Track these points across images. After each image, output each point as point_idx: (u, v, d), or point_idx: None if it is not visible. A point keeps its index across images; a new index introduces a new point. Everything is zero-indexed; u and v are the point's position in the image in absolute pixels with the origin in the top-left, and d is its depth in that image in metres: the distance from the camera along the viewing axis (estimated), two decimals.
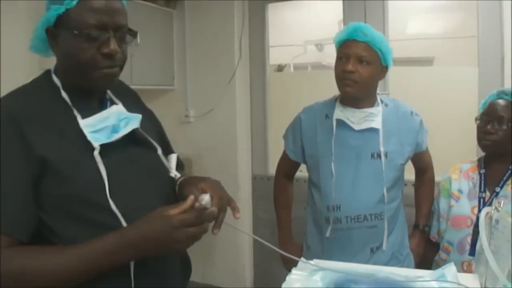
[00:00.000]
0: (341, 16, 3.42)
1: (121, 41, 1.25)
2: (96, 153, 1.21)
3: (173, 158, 1.43)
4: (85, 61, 1.21)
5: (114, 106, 1.33)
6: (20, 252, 1.12)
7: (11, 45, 2.64)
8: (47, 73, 1.32)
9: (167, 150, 1.50)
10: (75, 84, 1.27)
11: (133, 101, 1.47)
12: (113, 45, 1.21)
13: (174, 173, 1.39)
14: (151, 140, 1.38)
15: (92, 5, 1.19)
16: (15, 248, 1.11)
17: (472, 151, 2.59)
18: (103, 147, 1.23)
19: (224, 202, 1.30)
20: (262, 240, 1.36)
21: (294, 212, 2.38)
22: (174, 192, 1.40)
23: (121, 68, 1.30)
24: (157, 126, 1.57)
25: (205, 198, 1.18)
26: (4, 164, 1.13)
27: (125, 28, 1.26)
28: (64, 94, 1.26)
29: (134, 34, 1.30)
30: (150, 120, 1.51)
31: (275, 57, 3.92)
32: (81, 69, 1.23)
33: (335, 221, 2.07)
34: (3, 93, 1.26)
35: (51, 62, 1.34)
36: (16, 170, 1.14)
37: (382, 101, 2.13)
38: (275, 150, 3.24)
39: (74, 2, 1.19)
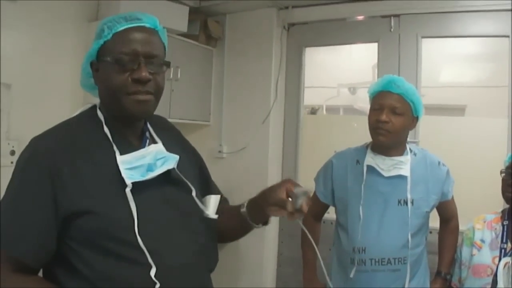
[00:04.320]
0: (374, 61, 3.46)
1: (154, 71, 1.31)
2: (128, 190, 1.25)
3: (212, 199, 1.47)
4: (116, 86, 1.28)
5: (152, 146, 1.38)
6: (17, 281, 1.20)
7: (59, 81, 2.86)
8: (93, 107, 1.41)
9: (208, 190, 1.54)
10: (115, 115, 1.34)
11: (174, 140, 1.52)
12: (144, 72, 1.28)
13: (209, 214, 1.41)
14: (186, 181, 1.40)
15: (125, 36, 1.30)
16: (17, 276, 1.20)
17: (498, 203, 2.60)
18: (137, 184, 1.27)
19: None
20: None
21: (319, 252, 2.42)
22: (208, 231, 1.43)
23: (156, 97, 1.34)
24: (199, 165, 1.60)
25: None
26: (29, 195, 1.21)
27: (158, 59, 1.33)
28: (106, 129, 1.33)
29: (167, 64, 1.36)
30: (191, 159, 1.55)
31: (308, 98, 3.89)
32: (113, 94, 1.29)
33: (359, 262, 2.13)
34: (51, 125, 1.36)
35: (94, 97, 1.44)
36: (39, 203, 1.21)
37: (411, 150, 2.21)
38: None
39: (110, 35, 1.30)
